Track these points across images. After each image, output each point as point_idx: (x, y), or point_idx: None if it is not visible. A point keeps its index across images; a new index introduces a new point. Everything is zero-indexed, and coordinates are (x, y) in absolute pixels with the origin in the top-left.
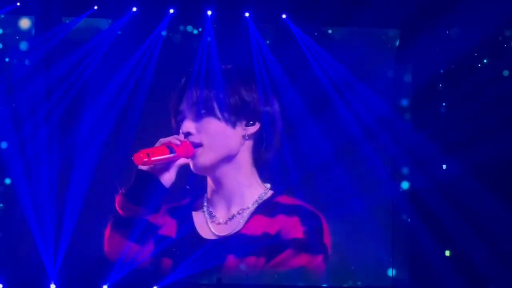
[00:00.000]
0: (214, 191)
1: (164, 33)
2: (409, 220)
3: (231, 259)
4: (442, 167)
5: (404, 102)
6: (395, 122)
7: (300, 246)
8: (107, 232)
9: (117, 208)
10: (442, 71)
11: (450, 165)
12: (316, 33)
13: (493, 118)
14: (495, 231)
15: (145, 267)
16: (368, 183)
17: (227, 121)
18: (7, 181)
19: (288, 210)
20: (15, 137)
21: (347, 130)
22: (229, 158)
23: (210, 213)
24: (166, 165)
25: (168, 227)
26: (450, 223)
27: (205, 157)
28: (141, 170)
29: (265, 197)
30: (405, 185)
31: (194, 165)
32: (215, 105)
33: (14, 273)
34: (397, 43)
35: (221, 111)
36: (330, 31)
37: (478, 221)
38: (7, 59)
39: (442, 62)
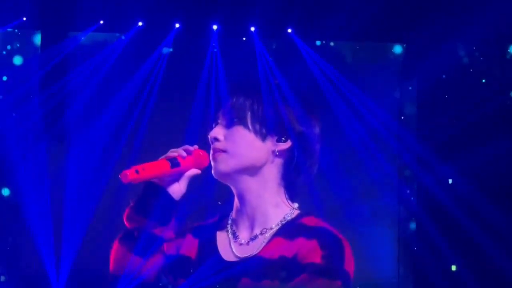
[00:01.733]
0: (239, 209)
1: (165, 50)
2: (413, 226)
3: (244, 282)
4: (447, 181)
5: (409, 114)
6: (400, 133)
7: (316, 271)
8: (114, 246)
9: (124, 220)
10: (446, 81)
11: (455, 178)
12: (321, 43)
13: (498, 129)
14: (503, 244)
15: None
16: (373, 198)
17: (256, 132)
18: (5, 192)
19: (309, 233)
20: (20, 149)
21: (352, 142)
22: (253, 171)
23: (233, 233)
24: (176, 176)
25: (189, 247)
26: (456, 236)
27: (226, 163)
28: (149, 181)
29: (289, 218)
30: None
31: (214, 169)
32: (248, 115)
33: (18, 283)
34: (402, 54)
35: (253, 121)
36: (332, 44)
37: (485, 233)
38: (4, 78)
39: (446, 74)
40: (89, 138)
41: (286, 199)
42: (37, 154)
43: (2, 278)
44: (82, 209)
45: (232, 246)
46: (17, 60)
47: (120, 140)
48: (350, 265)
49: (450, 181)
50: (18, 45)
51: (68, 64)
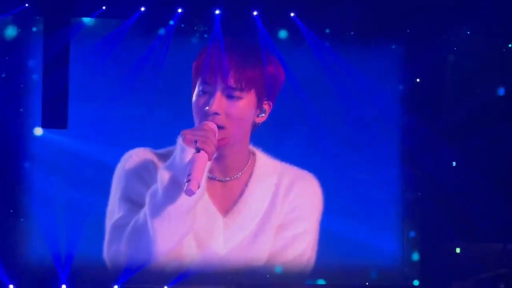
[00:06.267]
0: None
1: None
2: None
3: None
4: (451, 164)
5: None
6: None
7: None
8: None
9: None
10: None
11: (459, 161)
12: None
13: (496, 120)
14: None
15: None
16: (377, 183)
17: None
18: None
19: None
20: (25, 138)
21: (353, 125)
22: None
23: None
24: None
25: None
26: (460, 219)
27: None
28: None
29: None
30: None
31: None
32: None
33: (25, 275)
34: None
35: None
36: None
37: (488, 215)
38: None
39: (447, 67)
40: (93, 126)
41: None
42: (39, 143)
43: None
44: (86, 195)
45: None
46: (19, 46)
47: (124, 127)
48: None
49: (454, 163)
50: (21, 31)
51: (71, 50)
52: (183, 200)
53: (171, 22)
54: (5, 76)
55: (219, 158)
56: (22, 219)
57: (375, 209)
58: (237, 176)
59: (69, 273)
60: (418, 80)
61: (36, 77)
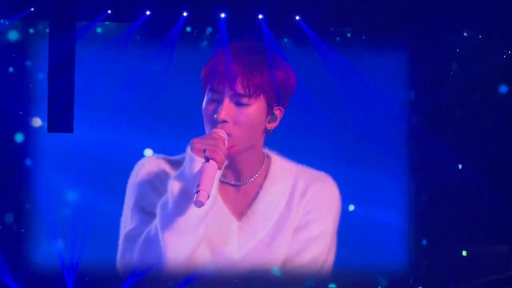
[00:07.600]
0: None
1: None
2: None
3: None
4: (457, 166)
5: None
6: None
7: None
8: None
9: None
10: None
11: (465, 164)
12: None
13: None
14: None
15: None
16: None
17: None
18: None
19: None
20: (31, 142)
21: (357, 129)
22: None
23: None
24: None
25: None
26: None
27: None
28: None
29: None
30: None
31: None
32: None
33: (32, 280)
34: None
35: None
36: (349, 35)
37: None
38: (11, 69)
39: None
40: (99, 131)
41: None
42: (44, 147)
43: None
44: (94, 200)
45: None
46: (25, 49)
47: (129, 133)
48: None
49: (460, 166)
50: (25, 35)
51: (77, 54)
52: (194, 211)
53: (188, 29)
54: (10, 79)
55: (232, 164)
56: (23, 230)
57: (382, 215)
58: (251, 180)
59: (75, 278)
60: (427, 79)
61: (42, 81)
